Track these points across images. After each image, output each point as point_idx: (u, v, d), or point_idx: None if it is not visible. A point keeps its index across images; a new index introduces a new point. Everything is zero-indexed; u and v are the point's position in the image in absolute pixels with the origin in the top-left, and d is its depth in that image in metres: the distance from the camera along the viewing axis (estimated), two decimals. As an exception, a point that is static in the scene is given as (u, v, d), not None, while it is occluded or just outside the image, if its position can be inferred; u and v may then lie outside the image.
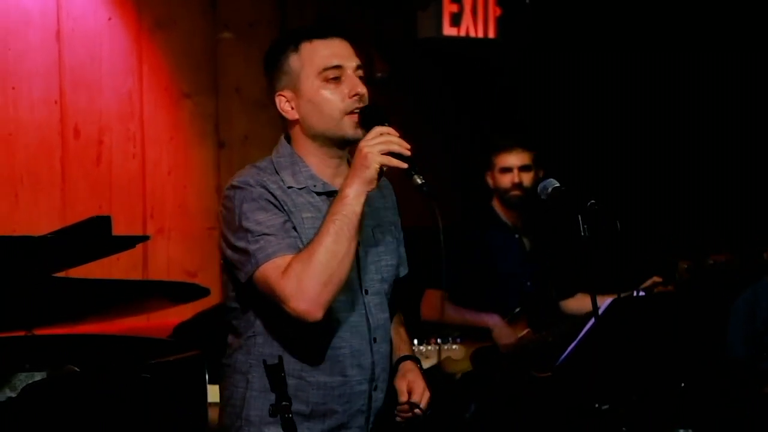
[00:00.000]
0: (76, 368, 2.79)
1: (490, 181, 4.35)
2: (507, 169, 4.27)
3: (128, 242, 2.81)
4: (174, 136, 4.80)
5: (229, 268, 2.47)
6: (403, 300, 2.71)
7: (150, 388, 2.75)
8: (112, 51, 4.58)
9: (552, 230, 4.34)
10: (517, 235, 4.34)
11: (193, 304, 3.44)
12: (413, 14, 5.60)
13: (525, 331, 4.19)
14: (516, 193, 4.26)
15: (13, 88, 4.31)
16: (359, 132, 2.42)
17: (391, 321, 2.65)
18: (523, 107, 5.92)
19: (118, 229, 4.38)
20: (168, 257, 4.75)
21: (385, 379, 2.56)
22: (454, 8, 5.58)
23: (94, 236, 2.46)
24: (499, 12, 5.74)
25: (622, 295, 3.88)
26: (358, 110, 2.43)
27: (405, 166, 2.33)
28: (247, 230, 2.39)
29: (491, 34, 5.72)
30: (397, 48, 5.57)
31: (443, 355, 3.95)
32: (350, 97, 2.43)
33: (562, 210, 2.54)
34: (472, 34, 5.66)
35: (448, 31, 5.58)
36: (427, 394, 2.56)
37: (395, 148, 2.33)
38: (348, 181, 2.36)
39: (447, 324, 4.18)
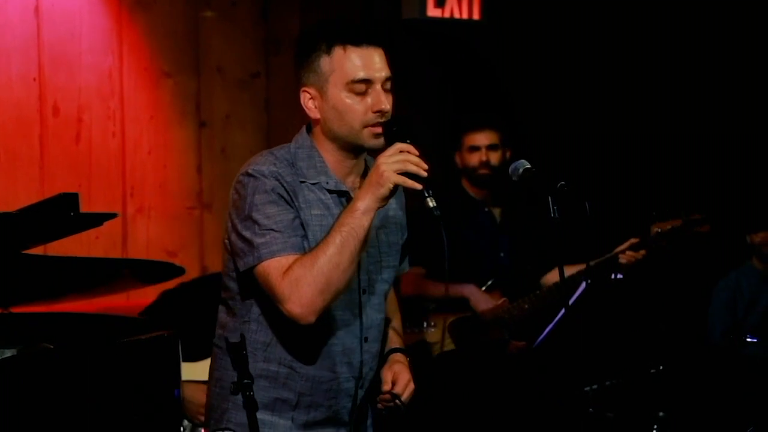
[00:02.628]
0: (49, 346, 2.79)
1: (458, 160, 4.44)
2: (475, 148, 4.35)
3: (96, 219, 2.80)
4: (154, 116, 4.78)
5: (232, 253, 2.49)
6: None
7: (123, 365, 2.75)
8: (92, 28, 4.55)
9: (524, 206, 4.38)
10: (486, 209, 4.41)
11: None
12: (397, -5, 5.58)
13: (501, 300, 4.24)
14: (484, 171, 4.33)
15: (-9, 65, 4.29)
16: (378, 142, 2.45)
17: (391, 317, 2.69)
18: (505, 88, 5.91)
19: (98, 208, 4.40)
20: (148, 237, 4.74)
21: (371, 378, 2.60)
22: (439, -11, 5.56)
23: (62, 213, 2.46)
24: (483, -7, 5.72)
25: (593, 262, 3.93)
26: (379, 123, 2.44)
27: (419, 187, 2.35)
28: (256, 222, 2.41)
29: (476, 16, 5.70)
30: (381, 28, 5.55)
31: (417, 339, 3.97)
32: (373, 112, 2.44)
33: (533, 191, 2.54)
34: (457, 15, 5.65)
35: (432, 12, 5.56)
36: (410, 387, 2.58)
37: (412, 169, 2.35)
38: (361, 194, 2.38)
39: (425, 299, 4.21)
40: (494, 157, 4.31)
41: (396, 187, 2.36)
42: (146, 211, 4.74)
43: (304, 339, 2.48)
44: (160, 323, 3.08)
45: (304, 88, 2.49)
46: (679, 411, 4.40)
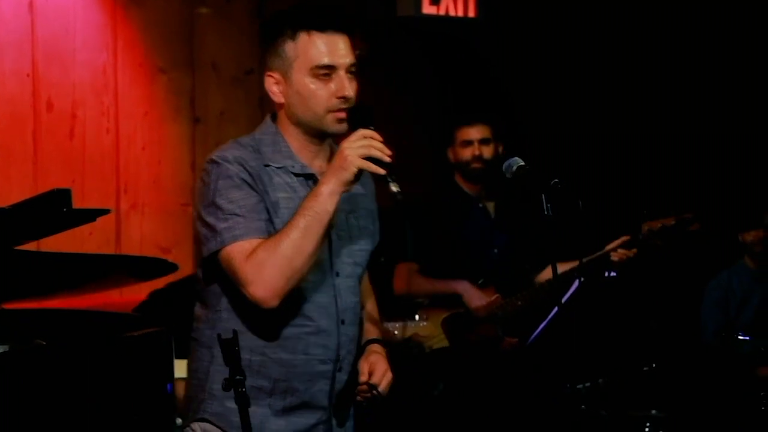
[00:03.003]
0: (42, 342, 2.79)
1: (451, 155, 4.44)
2: (468, 142, 4.36)
3: (89, 215, 2.80)
4: (149, 112, 4.78)
5: (198, 241, 2.51)
6: (377, 280, 2.73)
7: (116, 362, 2.75)
8: (86, 24, 4.55)
9: (517, 202, 4.39)
10: (480, 205, 4.41)
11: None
12: (393, -8, 5.59)
13: (494, 297, 4.24)
14: (477, 165, 4.35)
15: (-15, 61, 4.28)
16: (342, 127, 2.47)
17: (365, 302, 2.68)
18: (501, 85, 5.92)
19: (91, 204, 4.40)
20: (141, 233, 4.74)
21: (350, 361, 2.59)
22: (434, -13, 5.57)
23: (55, 209, 2.45)
24: (479, -9, 5.73)
25: (585, 260, 3.95)
26: (342, 109, 2.46)
27: (383, 172, 2.37)
28: (219, 207, 2.42)
29: (471, 13, 5.71)
30: (376, 26, 5.55)
31: (410, 333, 3.97)
32: (337, 97, 2.46)
33: (526, 188, 2.55)
34: (452, 12, 5.65)
35: (428, 9, 5.57)
36: (388, 376, 2.58)
37: (376, 154, 2.37)
38: (325, 179, 2.40)
39: (419, 295, 4.22)
40: (487, 151, 4.32)
41: (360, 172, 2.38)
42: (140, 208, 4.74)
43: (275, 324, 2.49)
44: (153, 319, 3.08)
45: (268, 73, 2.52)
46: (672, 409, 4.41)
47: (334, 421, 2.60)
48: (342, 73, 2.47)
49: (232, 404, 2.40)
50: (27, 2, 4.38)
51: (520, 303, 4.22)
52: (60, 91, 4.47)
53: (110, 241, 4.61)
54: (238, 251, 2.39)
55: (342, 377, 2.58)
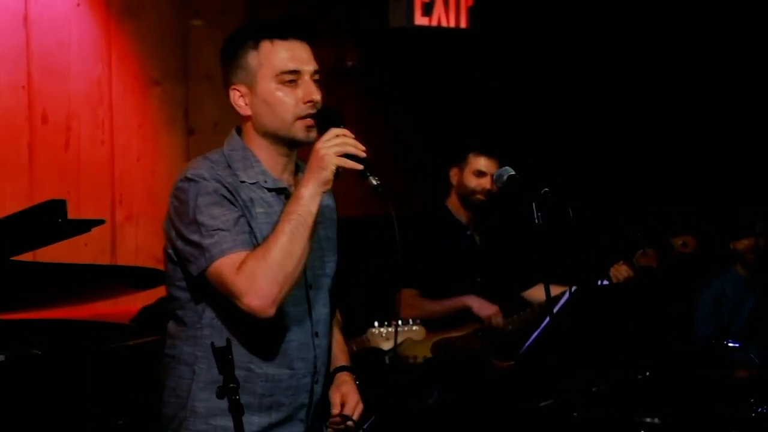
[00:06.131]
0: (38, 352, 2.81)
1: (455, 177, 4.37)
2: (481, 173, 4.28)
3: (84, 226, 2.81)
4: (143, 123, 4.80)
5: (179, 260, 2.48)
6: (341, 299, 2.71)
7: (111, 371, 2.77)
8: (80, 36, 4.57)
9: (505, 224, 4.38)
10: (468, 232, 4.39)
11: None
12: (385, 3, 5.61)
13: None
14: (480, 197, 4.31)
15: (-20, 73, 4.30)
16: (311, 135, 2.46)
17: (332, 320, 2.66)
18: (492, 96, 5.95)
19: (86, 216, 4.40)
20: (136, 244, 4.75)
21: (324, 373, 2.59)
22: (426, -2, 5.60)
23: (50, 220, 2.47)
24: (471, 2, 5.76)
25: (573, 289, 3.94)
26: (310, 115, 2.46)
27: (360, 167, 2.38)
28: (201, 224, 2.40)
29: (463, 24, 5.74)
30: (368, 37, 5.58)
31: (403, 337, 3.96)
32: (304, 103, 2.46)
33: (517, 198, 2.57)
34: (444, 23, 5.68)
35: (420, 20, 5.59)
36: (360, 407, 2.59)
37: (351, 150, 2.37)
38: (304, 181, 2.40)
39: (429, 318, 4.13)
40: (495, 187, 4.19)
41: (338, 170, 2.38)
42: (135, 219, 4.75)
43: (260, 338, 2.47)
44: (147, 329, 3.10)
45: (233, 87, 2.50)
46: (666, 416, 4.43)
47: None
48: (307, 78, 2.47)
49: (216, 421, 2.41)
50: (22, 15, 4.40)
51: (510, 328, 4.21)
52: (55, 104, 4.49)
53: (105, 252, 4.62)
54: (228, 265, 2.36)
55: (318, 389, 2.58)
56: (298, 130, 2.47)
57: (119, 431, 2.75)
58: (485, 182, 4.26)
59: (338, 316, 2.74)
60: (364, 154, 2.37)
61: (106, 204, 4.65)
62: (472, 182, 4.30)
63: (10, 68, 4.37)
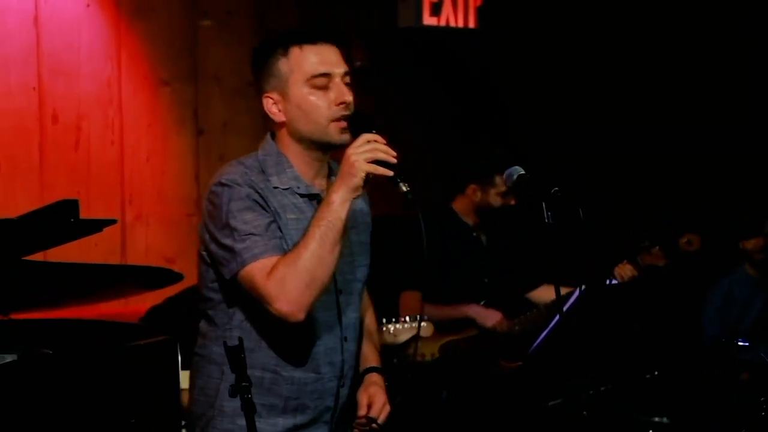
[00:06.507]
0: (49, 351, 2.82)
1: (474, 194, 4.30)
2: (506, 194, 4.25)
3: (96, 226, 2.83)
4: (152, 123, 4.82)
5: (212, 262, 2.51)
6: (373, 301, 2.74)
7: (122, 371, 2.78)
8: (90, 37, 4.59)
9: (512, 224, 4.37)
10: (475, 234, 4.39)
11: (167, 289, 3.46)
12: (393, 3, 5.62)
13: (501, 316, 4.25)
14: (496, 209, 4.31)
15: (-9, 74, 4.32)
16: (345, 137, 2.48)
17: (364, 316, 2.69)
18: (501, 96, 5.96)
19: (96, 216, 4.42)
20: (146, 244, 4.77)
21: (351, 376, 2.62)
22: (435, -2, 5.61)
23: (62, 220, 2.48)
24: (479, 2, 5.77)
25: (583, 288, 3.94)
26: (343, 117, 2.48)
27: (391, 173, 2.38)
28: (234, 228, 2.43)
29: (471, 24, 5.75)
30: (377, 37, 5.59)
31: (411, 333, 3.95)
32: (337, 105, 2.48)
33: (527, 197, 2.57)
34: (452, 23, 5.69)
35: (428, 20, 5.60)
36: (386, 409, 2.61)
37: (381, 156, 2.38)
38: (335, 187, 2.41)
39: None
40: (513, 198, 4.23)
41: (368, 176, 2.39)
42: (145, 218, 4.77)
43: (288, 342, 2.50)
44: (158, 329, 3.11)
45: (266, 95, 2.54)
46: (675, 415, 4.43)
47: None
48: (338, 80, 2.50)
49: (243, 421, 2.40)
50: (32, 16, 4.42)
51: (517, 329, 4.21)
52: (65, 104, 4.51)
53: (116, 252, 4.64)
54: (259, 269, 2.40)
55: (344, 392, 2.60)
56: (333, 133, 2.50)
57: (131, 430, 2.76)
58: (510, 200, 4.26)
59: (368, 301, 2.74)
60: (394, 160, 2.38)
61: (116, 204, 4.67)
62: (497, 201, 4.27)
63: (20, 69, 4.39)
